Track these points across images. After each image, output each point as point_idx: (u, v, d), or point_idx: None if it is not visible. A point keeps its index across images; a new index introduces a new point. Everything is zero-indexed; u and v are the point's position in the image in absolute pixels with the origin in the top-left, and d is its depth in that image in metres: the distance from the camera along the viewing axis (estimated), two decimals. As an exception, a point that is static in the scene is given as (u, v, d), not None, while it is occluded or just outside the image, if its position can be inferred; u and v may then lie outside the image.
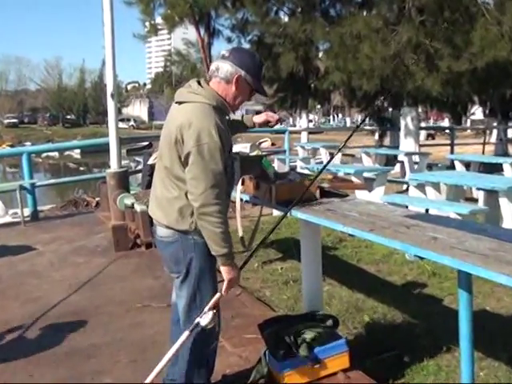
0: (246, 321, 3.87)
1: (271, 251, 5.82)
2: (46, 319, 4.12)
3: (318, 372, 2.94)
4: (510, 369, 3.20)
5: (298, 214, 2.92)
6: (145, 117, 75.24)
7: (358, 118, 46.39)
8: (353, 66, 12.41)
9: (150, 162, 7.96)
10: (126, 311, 4.23)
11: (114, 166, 6.70)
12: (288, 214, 2.86)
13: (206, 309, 2.42)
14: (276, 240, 6.13)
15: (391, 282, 4.90)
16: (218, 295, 2.46)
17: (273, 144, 20.93)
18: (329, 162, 2.95)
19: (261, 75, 2.54)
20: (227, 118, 2.52)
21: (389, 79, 11.96)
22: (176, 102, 2.47)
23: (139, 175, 10.00)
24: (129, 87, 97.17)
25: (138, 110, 77.23)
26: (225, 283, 2.47)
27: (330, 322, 3.08)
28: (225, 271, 2.45)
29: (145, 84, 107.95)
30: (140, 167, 11.15)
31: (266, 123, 2.90)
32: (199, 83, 2.47)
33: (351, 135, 2.78)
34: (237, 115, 2.86)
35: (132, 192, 6.87)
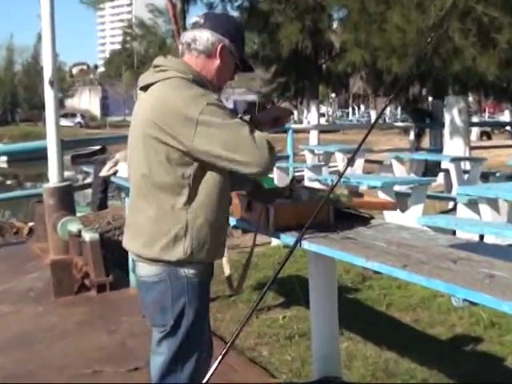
0: (235, 391, 3.86)
1: (269, 294, 5.81)
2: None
3: None
4: None
5: (305, 243, 2.92)
6: (96, 111, 75.58)
7: (387, 110, 46.71)
8: (378, 41, 12.49)
9: (104, 173, 7.97)
10: (69, 379, 4.21)
11: (53, 178, 6.69)
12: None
13: None
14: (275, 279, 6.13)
15: (433, 335, 4.90)
16: None
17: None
18: (344, 171, 2.97)
19: (244, 44, 2.63)
20: None
21: (427, 58, 12.05)
22: (141, 89, 2.50)
23: (88, 191, 10.02)
24: (74, 71, 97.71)
25: (87, 101, 77.56)
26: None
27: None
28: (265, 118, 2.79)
29: (96, 66, 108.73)
30: (90, 180, 11.17)
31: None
32: (166, 58, 2.53)
33: (369, 131, 2.79)
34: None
35: (79, 214, 6.88)
